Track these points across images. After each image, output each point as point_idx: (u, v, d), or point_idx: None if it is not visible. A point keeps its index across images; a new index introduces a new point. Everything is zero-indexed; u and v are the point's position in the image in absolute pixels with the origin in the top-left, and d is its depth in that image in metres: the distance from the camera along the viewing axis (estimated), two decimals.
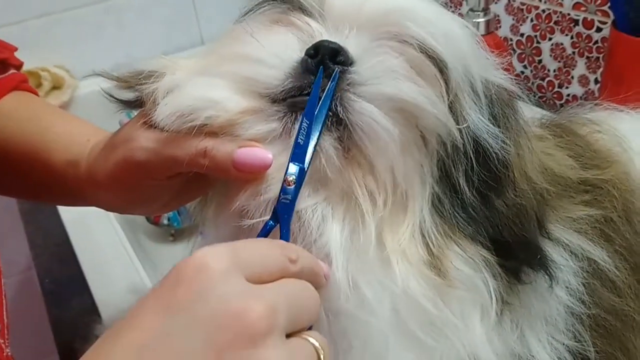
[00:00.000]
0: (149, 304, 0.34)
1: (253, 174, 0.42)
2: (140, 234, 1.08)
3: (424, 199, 0.44)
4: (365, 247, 0.42)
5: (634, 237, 0.54)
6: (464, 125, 0.44)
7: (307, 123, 0.42)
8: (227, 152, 0.42)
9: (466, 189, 0.44)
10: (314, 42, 0.44)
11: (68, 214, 0.94)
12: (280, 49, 0.45)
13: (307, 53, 0.43)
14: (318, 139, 0.42)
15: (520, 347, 0.46)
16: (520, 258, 0.45)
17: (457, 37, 0.45)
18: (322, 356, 0.36)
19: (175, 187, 0.49)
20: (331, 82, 0.43)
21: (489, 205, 0.45)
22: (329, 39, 0.44)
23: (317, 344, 0.36)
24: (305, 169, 0.42)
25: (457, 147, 0.44)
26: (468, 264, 0.43)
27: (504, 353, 0.46)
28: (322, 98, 0.42)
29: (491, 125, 0.45)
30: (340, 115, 0.43)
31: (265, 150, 0.42)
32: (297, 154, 0.41)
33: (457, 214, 0.44)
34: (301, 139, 0.42)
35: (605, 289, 0.50)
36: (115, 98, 0.50)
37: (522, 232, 0.45)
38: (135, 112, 0.52)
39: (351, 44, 0.44)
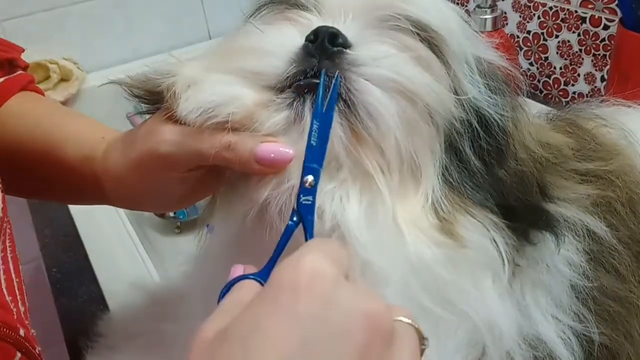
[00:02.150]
0: (267, 313, 0.31)
1: (274, 168, 0.43)
2: (147, 226, 1.08)
3: (433, 170, 0.45)
4: (383, 222, 0.44)
5: (639, 227, 0.54)
6: (464, 97, 0.46)
7: (317, 124, 0.42)
8: (250, 146, 0.43)
9: (472, 158, 0.46)
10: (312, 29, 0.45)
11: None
12: (280, 39, 0.46)
13: (307, 38, 0.45)
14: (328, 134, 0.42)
15: (528, 324, 0.47)
16: (527, 220, 0.47)
17: (448, 15, 0.48)
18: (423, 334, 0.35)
19: (192, 181, 0.49)
20: (334, 83, 0.43)
21: (494, 173, 0.46)
22: (327, 25, 0.45)
23: (415, 324, 0.34)
24: (321, 169, 0.41)
25: (461, 119, 0.46)
26: (477, 227, 0.45)
27: (517, 318, 0.47)
28: (328, 98, 0.43)
29: (489, 94, 0.47)
30: (344, 96, 0.44)
31: (285, 145, 0.43)
32: (312, 155, 0.41)
33: (464, 183, 0.46)
34: (314, 141, 0.41)
35: (609, 275, 0.51)
36: (135, 95, 0.51)
37: (526, 198, 0.47)
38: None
39: (349, 30, 0.46)
